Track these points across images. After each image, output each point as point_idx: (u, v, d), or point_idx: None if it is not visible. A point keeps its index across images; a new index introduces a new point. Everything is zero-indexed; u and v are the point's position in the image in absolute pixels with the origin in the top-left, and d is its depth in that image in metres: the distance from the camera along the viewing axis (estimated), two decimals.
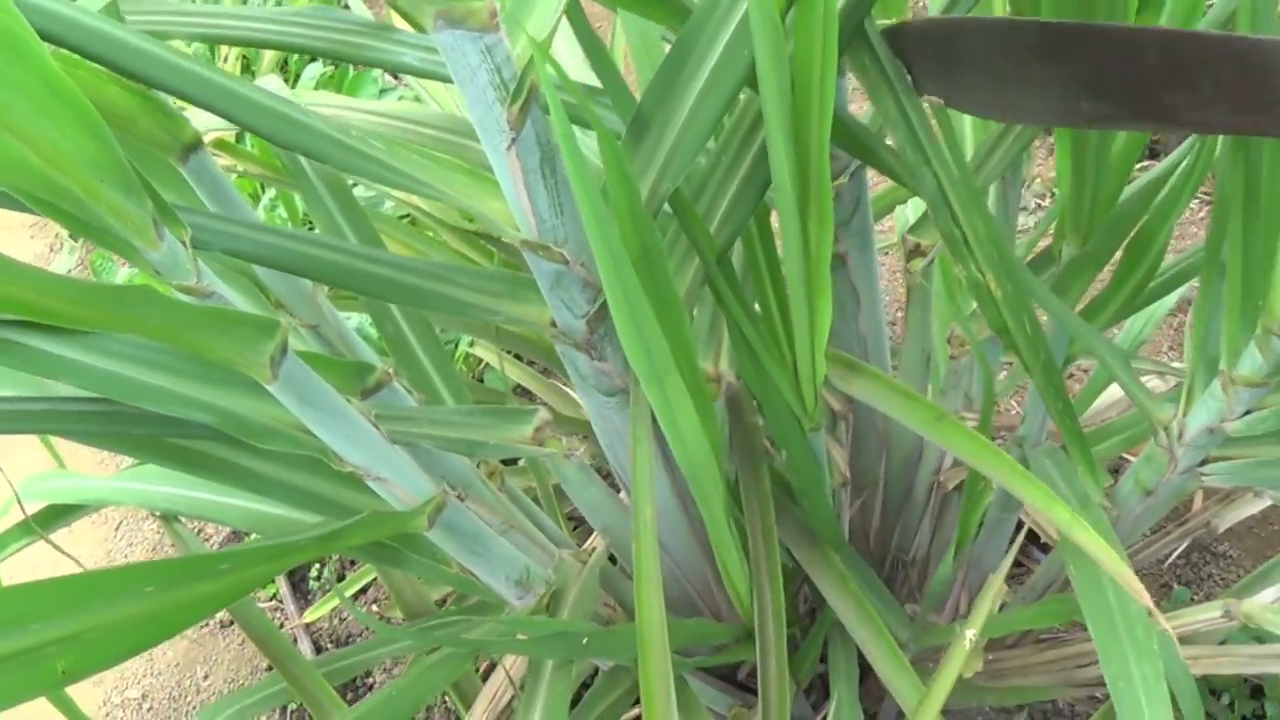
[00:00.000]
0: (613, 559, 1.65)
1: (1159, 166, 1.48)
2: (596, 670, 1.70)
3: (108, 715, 2.69)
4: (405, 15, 1.44)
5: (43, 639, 0.87)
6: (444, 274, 1.20)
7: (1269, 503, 1.90)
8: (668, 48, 1.14)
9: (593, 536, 1.66)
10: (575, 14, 1.19)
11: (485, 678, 1.68)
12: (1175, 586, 2.38)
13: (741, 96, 1.22)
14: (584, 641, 1.28)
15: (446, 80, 1.04)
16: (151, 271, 1.01)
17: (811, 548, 1.56)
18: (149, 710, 2.67)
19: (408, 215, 2.57)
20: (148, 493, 1.64)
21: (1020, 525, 1.74)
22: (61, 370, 1.06)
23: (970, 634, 1.33)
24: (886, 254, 3.17)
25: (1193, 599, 2.32)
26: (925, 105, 1.21)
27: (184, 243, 1.02)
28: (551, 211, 1.08)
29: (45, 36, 1.04)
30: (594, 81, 1.30)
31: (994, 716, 2.11)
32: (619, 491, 1.58)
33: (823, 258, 1.14)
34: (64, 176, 0.88)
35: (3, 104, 0.80)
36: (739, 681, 1.77)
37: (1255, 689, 2.16)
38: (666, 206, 1.14)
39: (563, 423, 1.57)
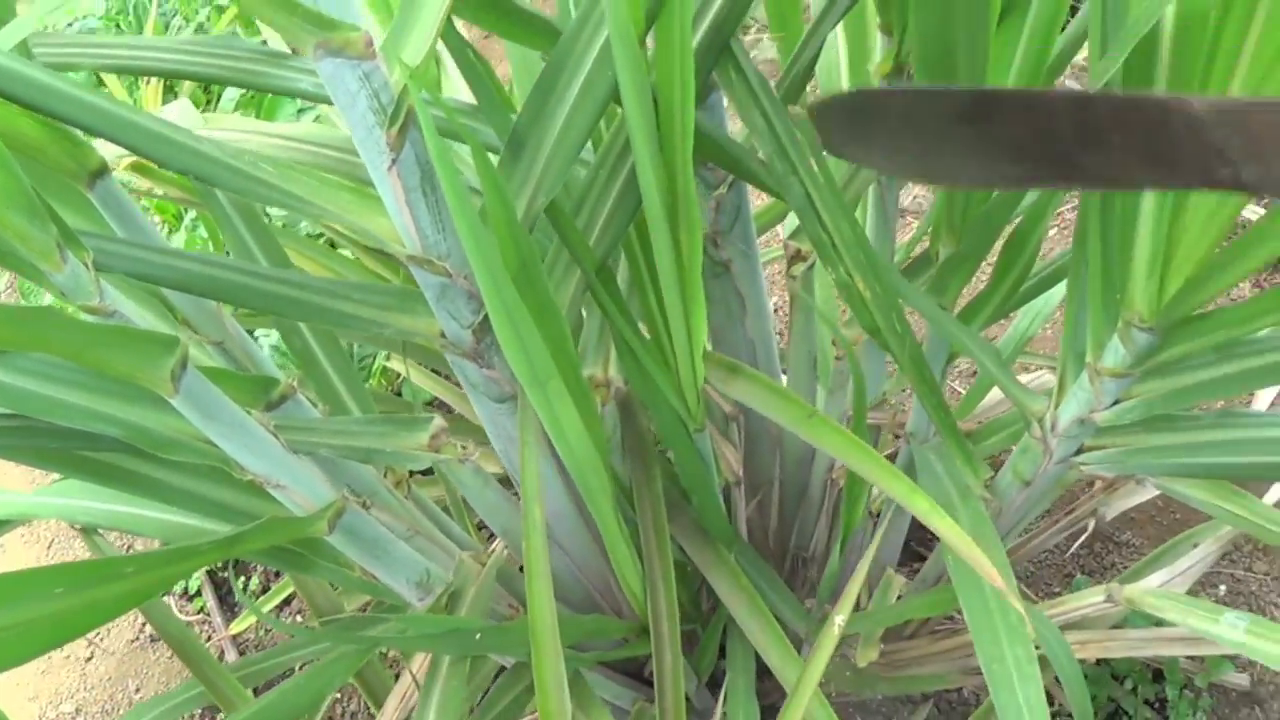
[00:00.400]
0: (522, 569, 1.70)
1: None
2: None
3: None
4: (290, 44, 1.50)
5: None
6: (337, 290, 1.26)
7: (1156, 491, 1.97)
8: None
9: (496, 540, 1.71)
10: (453, 39, 1.24)
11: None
12: (1078, 575, 2.45)
13: (620, 111, 1.28)
14: (477, 637, 1.34)
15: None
16: (58, 292, 1.06)
17: (705, 546, 1.62)
18: None
19: (322, 235, 2.62)
20: (69, 507, 1.69)
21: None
22: None
23: (839, 620, 1.39)
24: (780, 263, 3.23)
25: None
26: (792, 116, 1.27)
27: (86, 265, 1.07)
28: (434, 227, 1.13)
29: None
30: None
31: (899, 707, 2.17)
32: (519, 496, 1.63)
33: (694, 267, 1.20)
34: None
35: None
36: (645, 677, 1.83)
37: (1156, 673, 2.23)
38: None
39: (470, 431, 1.62)
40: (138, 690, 2.73)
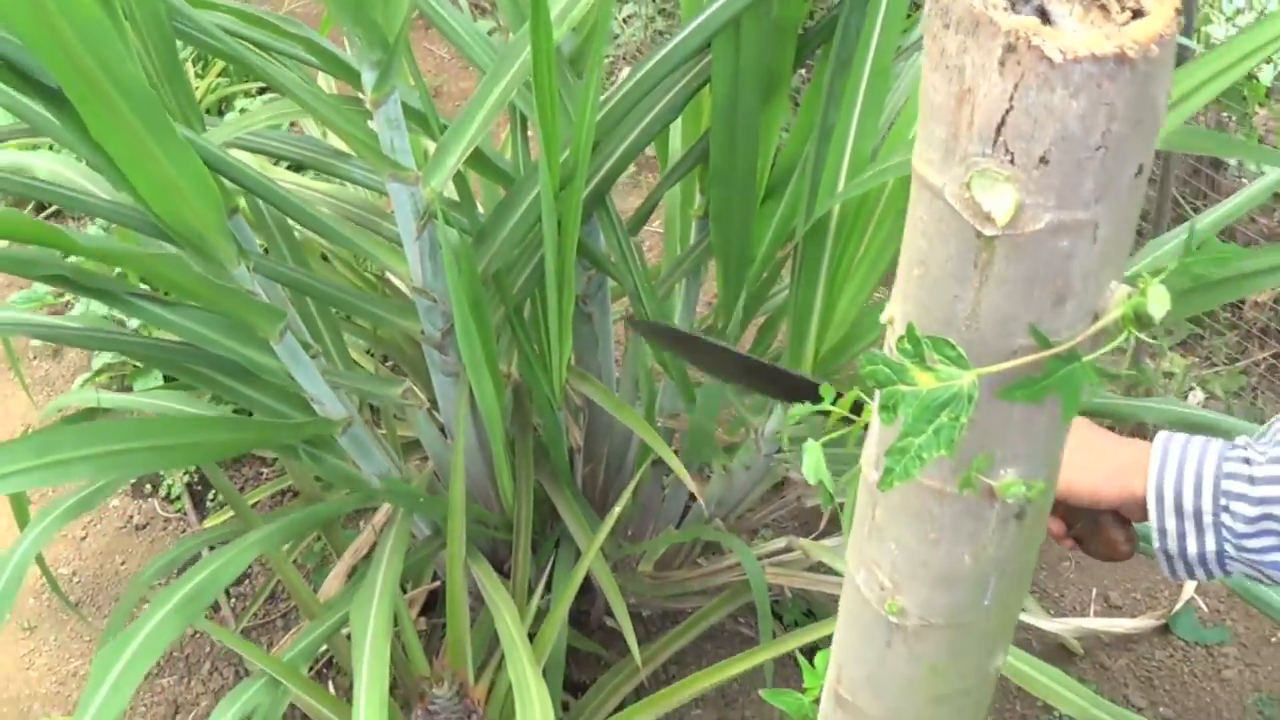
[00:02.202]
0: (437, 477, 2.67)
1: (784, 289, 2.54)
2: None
3: (44, 585, 3.56)
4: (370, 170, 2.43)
5: (176, 441, 1.90)
6: (371, 300, 2.26)
7: None
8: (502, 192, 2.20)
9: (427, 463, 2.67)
10: (458, 178, 2.21)
11: None
12: None
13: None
14: (420, 499, 2.32)
15: (377, 190, 2.06)
16: (231, 281, 2.02)
17: (555, 484, 2.60)
18: (78, 583, 3.52)
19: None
20: (155, 404, 2.62)
21: None
22: (170, 325, 2.06)
23: (616, 509, 2.36)
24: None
25: None
26: (634, 241, 2.27)
27: (249, 268, 2.03)
28: (432, 275, 2.13)
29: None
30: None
31: (666, 620, 3.04)
32: (444, 434, 2.60)
33: (567, 315, 2.18)
34: (204, 230, 1.89)
35: (186, 197, 1.80)
36: (503, 571, 2.79)
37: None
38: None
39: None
40: (123, 563, 3.60)
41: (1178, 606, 3.21)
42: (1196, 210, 3.58)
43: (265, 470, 3.73)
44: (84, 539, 3.68)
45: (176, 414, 2.53)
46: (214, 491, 3.68)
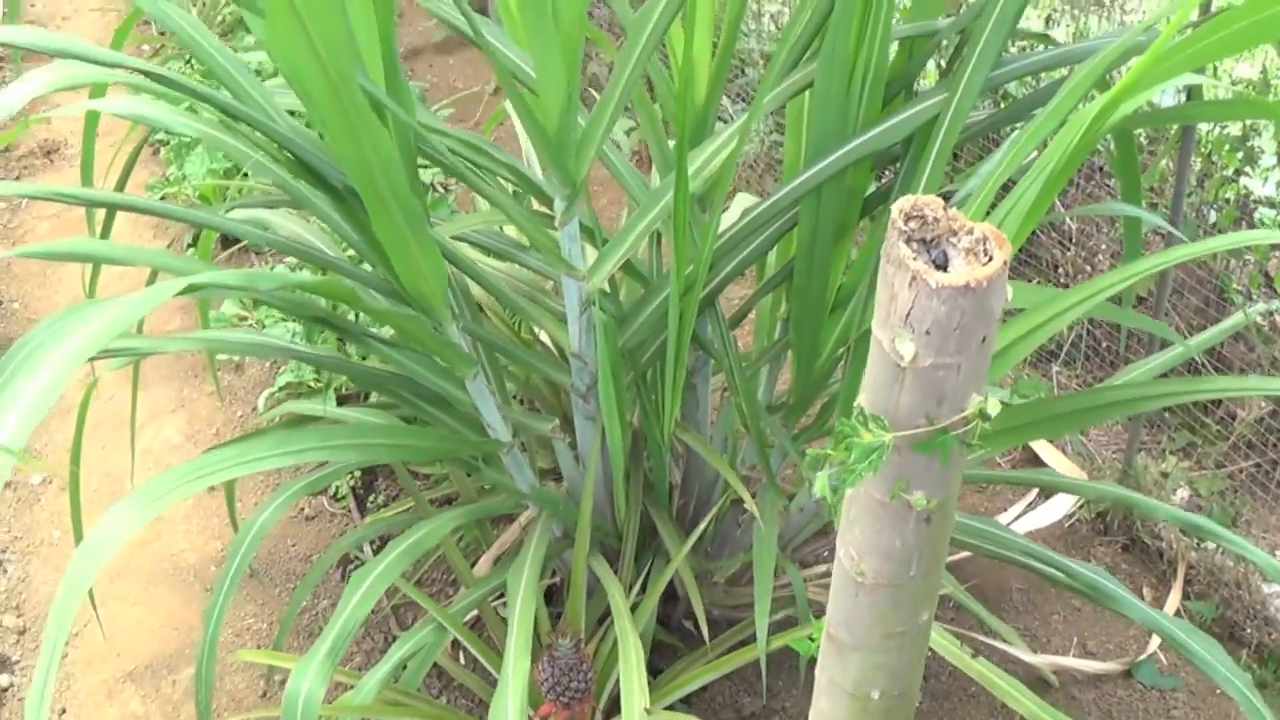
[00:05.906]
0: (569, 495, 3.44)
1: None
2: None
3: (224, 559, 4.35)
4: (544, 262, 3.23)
5: (394, 442, 2.72)
6: (538, 357, 3.07)
7: None
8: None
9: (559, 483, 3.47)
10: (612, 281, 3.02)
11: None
12: None
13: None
14: (560, 505, 3.12)
15: (544, 275, 2.94)
16: (445, 335, 2.83)
17: (656, 509, 3.36)
18: (256, 557, 4.29)
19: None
20: (349, 415, 3.43)
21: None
22: (394, 360, 2.88)
23: (700, 529, 3.14)
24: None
25: None
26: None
27: (458, 327, 2.84)
28: (587, 344, 2.94)
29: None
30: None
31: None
32: (577, 462, 3.38)
33: (679, 383, 2.95)
34: (432, 298, 2.69)
35: (425, 275, 2.60)
36: (613, 569, 3.53)
37: None
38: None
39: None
40: (294, 545, 4.37)
41: (1142, 657, 3.96)
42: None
43: (419, 483, 4.43)
44: None
45: (383, 424, 3.32)
46: (374, 495, 4.50)
